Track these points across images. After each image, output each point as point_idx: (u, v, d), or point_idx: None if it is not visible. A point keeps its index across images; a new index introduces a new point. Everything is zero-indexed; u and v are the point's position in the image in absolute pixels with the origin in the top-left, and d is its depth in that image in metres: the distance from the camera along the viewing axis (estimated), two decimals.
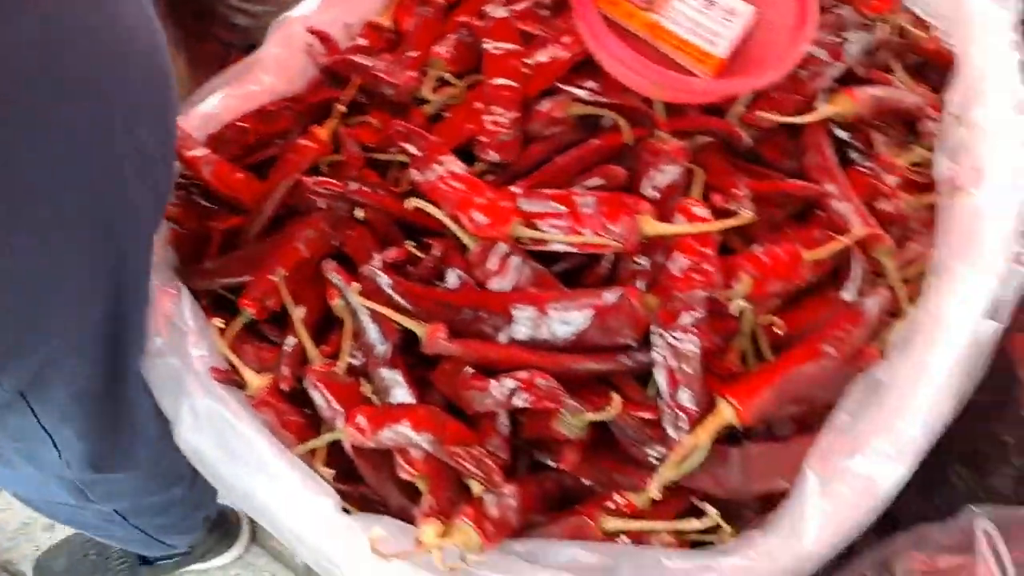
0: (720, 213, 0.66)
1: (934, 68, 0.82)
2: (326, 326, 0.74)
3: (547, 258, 0.69)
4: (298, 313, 0.69)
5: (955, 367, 0.60)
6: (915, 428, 0.57)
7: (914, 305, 0.65)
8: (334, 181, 0.71)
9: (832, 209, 0.69)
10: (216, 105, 0.81)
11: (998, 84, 0.70)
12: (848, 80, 0.76)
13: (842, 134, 0.73)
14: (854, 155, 0.74)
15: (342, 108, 0.75)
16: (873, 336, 0.66)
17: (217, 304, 0.77)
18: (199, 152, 0.76)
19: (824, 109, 0.70)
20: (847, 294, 0.66)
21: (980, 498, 0.95)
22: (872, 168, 0.71)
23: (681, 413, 0.61)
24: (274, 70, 0.83)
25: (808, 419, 0.67)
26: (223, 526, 1.18)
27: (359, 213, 0.71)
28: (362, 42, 0.82)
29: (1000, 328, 0.70)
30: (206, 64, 1.90)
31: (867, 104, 0.71)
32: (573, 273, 0.70)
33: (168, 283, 0.73)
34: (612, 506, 0.63)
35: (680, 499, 0.64)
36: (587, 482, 0.67)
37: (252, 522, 1.23)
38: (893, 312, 0.67)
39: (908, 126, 0.79)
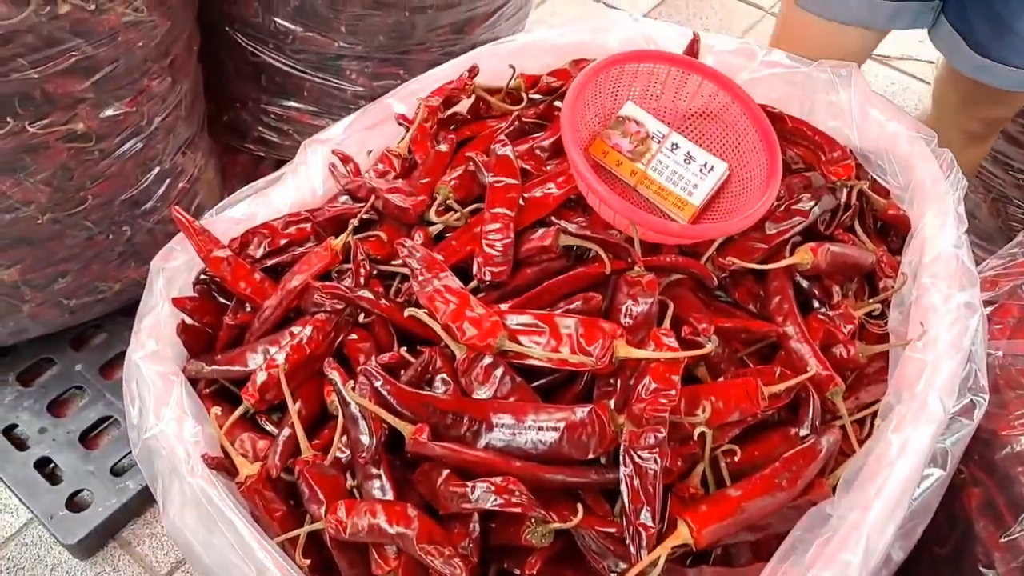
0: (687, 344, 0.72)
1: (894, 229, 0.90)
2: (320, 422, 0.79)
3: (529, 375, 0.75)
4: (295, 406, 0.74)
5: (895, 505, 0.64)
6: (856, 559, 0.61)
7: (862, 445, 0.70)
8: (342, 287, 0.78)
9: (791, 350, 0.75)
10: (243, 212, 0.89)
11: (943, 252, 0.78)
12: (812, 235, 0.84)
13: (805, 283, 0.81)
14: (815, 303, 0.81)
15: (355, 222, 0.83)
16: (825, 471, 0.71)
17: (220, 395, 0.83)
18: (221, 253, 0.83)
19: (786, 259, 0.78)
20: (802, 430, 0.71)
21: None
22: (830, 316, 0.77)
23: (642, 530, 0.65)
24: (299, 185, 0.92)
25: (763, 547, 0.71)
26: None
27: (362, 318, 0.77)
28: (380, 167, 0.91)
29: (944, 476, 0.75)
30: (237, 174, 2.03)
31: (825, 258, 0.78)
32: (552, 389, 0.76)
33: (170, 371, 0.79)
34: None
35: None
36: None
37: None
38: (844, 450, 0.72)
39: (868, 280, 0.86)
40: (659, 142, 0.84)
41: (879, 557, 0.63)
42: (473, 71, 0.96)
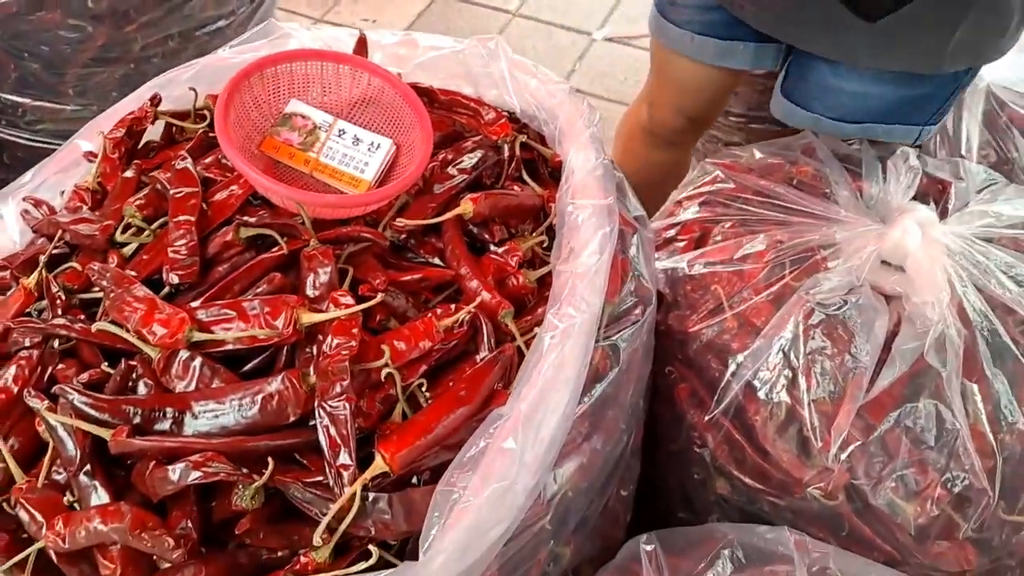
0: (366, 300, 0.79)
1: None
2: (42, 454, 0.80)
3: (235, 362, 0.80)
4: (5, 443, 0.76)
5: (556, 392, 0.74)
6: (516, 444, 0.70)
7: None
8: (34, 319, 0.81)
9: (466, 288, 0.84)
10: None
11: (584, 179, 0.89)
12: (480, 187, 0.94)
13: (476, 230, 0.90)
14: (491, 245, 0.90)
15: (44, 258, 0.85)
16: (508, 384, 0.80)
17: None
18: None
19: (451, 212, 0.87)
20: (481, 352, 0.80)
21: None
22: (499, 253, 0.87)
23: (342, 471, 0.71)
24: None
25: None
26: None
27: (56, 344, 0.80)
28: (72, 204, 0.94)
29: (619, 370, 0.87)
30: None
31: (486, 205, 0.88)
32: (260, 371, 0.81)
33: None
34: (297, 567, 0.72)
35: (357, 549, 0.74)
36: (280, 553, 0.75)
37: None
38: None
39: (545, 219, 0.97)
40: (326, 131, 0.91)
41: (548, 441, 0.73)
42: (155, 99, 1.00)
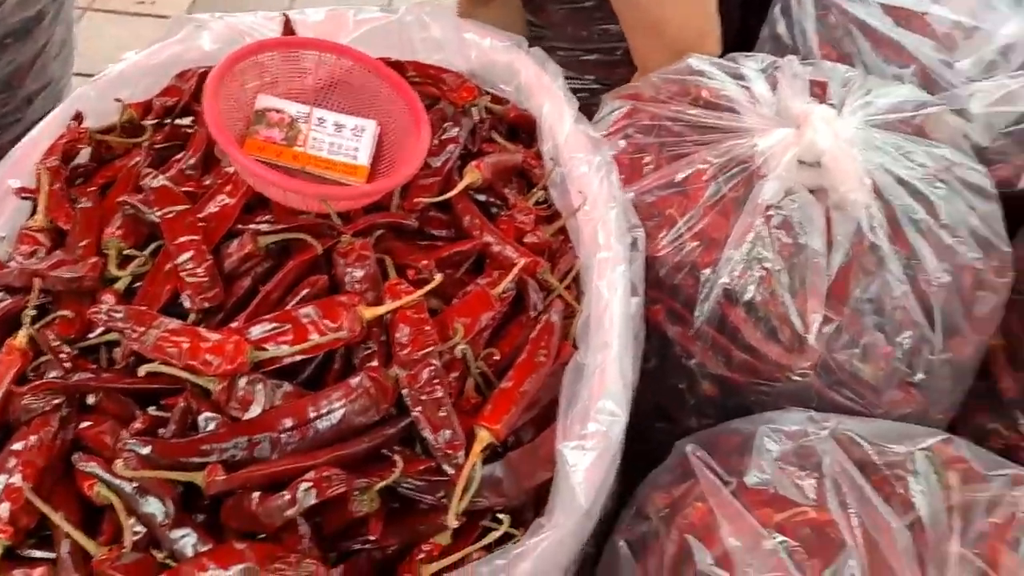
0: (419, 284, 0.78)
1: (520, 128, 1.04)
2: (89, 523, 0.72)
3: (286, 377, 0.76)
4: (60, 515, 0.68)
5: (625, 334, 0.78)
6: (618, 384, 0.74)
7: (580, 302, 0.83)
8: (53, 380, 0.72)
9: (496, 254, 0.85)
10: None
11: (571, 131, 0.93)
12: (464, 155, 0.94)
13: (481, 197, 0.91)
14: (494, 210, 0.91)
15: (32, 312, 0.75)
16: (563, 336, 0.83)
17: None
18: None
19: (462, 182, 0.87)
20: (532, 312, 0.82)
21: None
22: (512, 215, 0.88)
23: (450, 451, 0.72)
24: None
25: (541, 419, 0.81)
26: None
27: (91, 399, 0.72)
28: (24, 247, 0.82)
29: (639, 300, 0.92)
30: None
31: (489, 170, 0.89)
32: (313, 383, 0.78)
33: None
34: (423, 555, 0.72)
35: (476, 525, 0.75)
36: (395, 547, 0.74)
37: None
38: (568, 313, 0.84)
39: (522, 176, 0.99)
40: (305, 122, 0.87)
41: (632, 377, 0.77)
42: (79, 117, 0.90)
